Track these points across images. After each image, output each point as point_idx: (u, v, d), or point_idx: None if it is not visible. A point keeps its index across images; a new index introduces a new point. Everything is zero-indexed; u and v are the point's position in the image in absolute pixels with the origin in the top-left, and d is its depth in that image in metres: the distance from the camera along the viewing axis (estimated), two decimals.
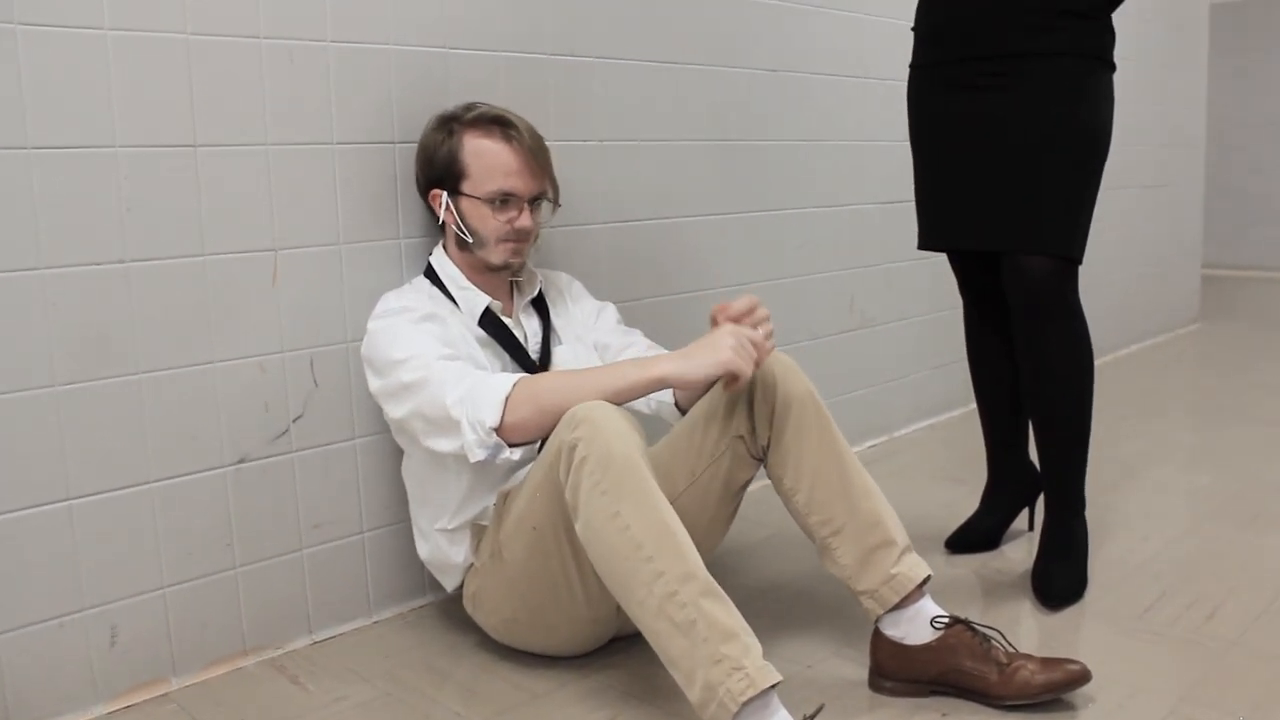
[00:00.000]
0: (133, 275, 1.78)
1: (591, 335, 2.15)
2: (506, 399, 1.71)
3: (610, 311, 2.22)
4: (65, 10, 1.68)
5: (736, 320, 1.81)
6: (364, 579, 2.14)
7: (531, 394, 1.72)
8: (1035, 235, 2.08)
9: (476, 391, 1.73)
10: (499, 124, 1.96)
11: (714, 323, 1.82)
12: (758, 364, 1.76)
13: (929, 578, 1.82)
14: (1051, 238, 2.08)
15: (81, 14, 1.70)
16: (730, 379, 1.74)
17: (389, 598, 2.19)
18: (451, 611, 2.17)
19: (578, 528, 1.64)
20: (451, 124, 1.97)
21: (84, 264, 1.73)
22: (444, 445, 1.77)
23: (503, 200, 1.95)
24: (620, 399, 1.71)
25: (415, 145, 2.05)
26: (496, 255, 1.98)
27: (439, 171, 1.97)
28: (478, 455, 1.73)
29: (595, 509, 1.61)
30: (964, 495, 2.78)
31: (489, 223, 1.95)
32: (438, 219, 2.02)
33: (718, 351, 1.71)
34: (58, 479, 1.74)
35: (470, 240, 1.97)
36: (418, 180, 2.04)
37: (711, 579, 1.58)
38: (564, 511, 1.69)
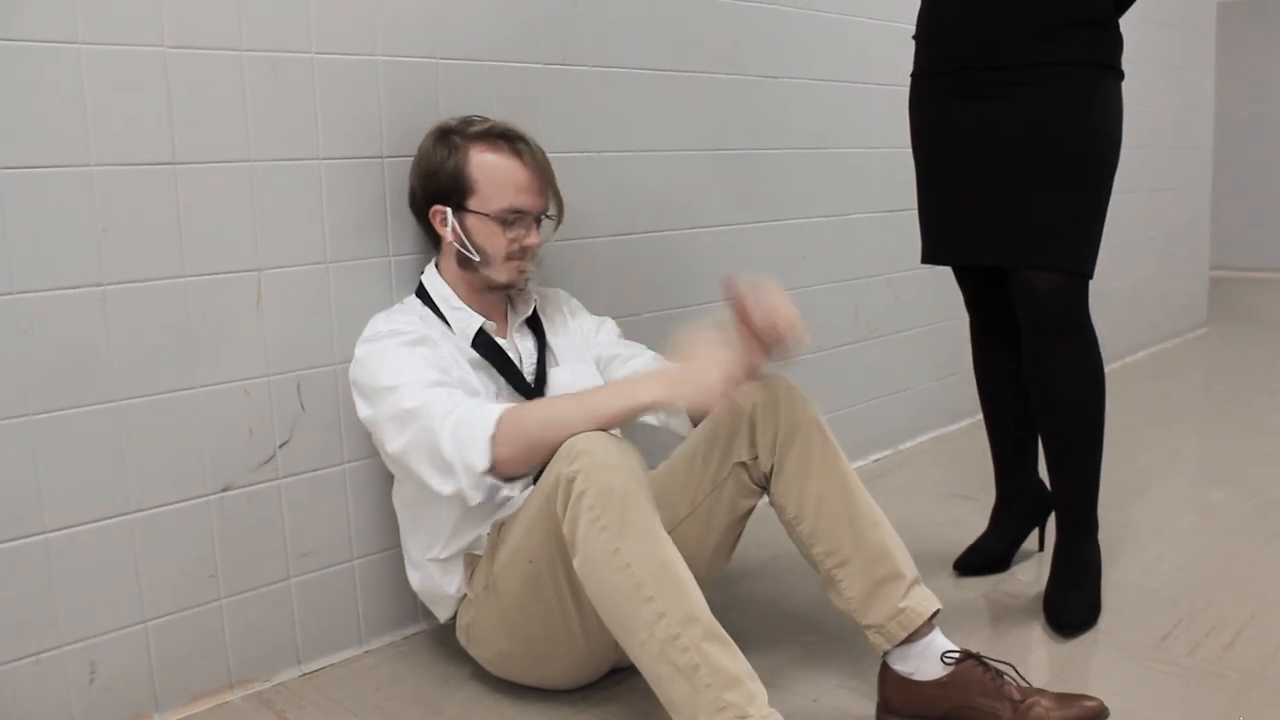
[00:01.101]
0: (110, 298, 1.72)
1: (593, 350, 2.09)
2: (493, 438, 1.64)
3: (610, 326, 2.16)
4: (35, 24, 1.62)
5: (759, 335, 1.72)
6: (354, 608, 2.08)
7: (519, 429, 1.65)
8: (1044, 250, 2.02)
9: (462, 432, 1.66)
10: (507, 139, 1.90)
11: (733, 311, 1.73)
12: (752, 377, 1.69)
13: (938, 611, 1.75)
14: (1061, 252, 2.01)
15: (53, 28, 1.63)
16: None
17: (380, 626, 2.12)
18: (445, 639, 2.10)
19: (576, 564, 1.58)
20: (455, 137, 1.91)
21: (58, 287, 1.67)
22: (445, 488, 1.70)
23: (512, 218, 1.89)
24: (608, 427, 1.64)
25: (406, 160, 1.99)
26: (503, 274, 1.92)
27: (443, 187, 1.90)
28: (475, 499, 1.68)
29: (594, 545, 1.54)
30: (972, 512, 2.71)
31: (496, 240, 1.89)
32: (434, 237, 1.95)
33: (705, 385, 1.61)
34: (33, 511, 1.68)
35: (477, 259, 1.90)
36: (414, 196, 1.97)
37: (715, 621, 1.52)
38: (561, 546, 1.62)
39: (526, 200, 1.90)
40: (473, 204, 1.89)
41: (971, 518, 2.67)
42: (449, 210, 1.90)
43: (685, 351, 1.67)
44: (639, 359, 2.08)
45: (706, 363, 1.64)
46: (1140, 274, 4.69)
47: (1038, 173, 2.00)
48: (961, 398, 3.51)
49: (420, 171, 1.94)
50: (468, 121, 1.93)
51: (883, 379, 3.30)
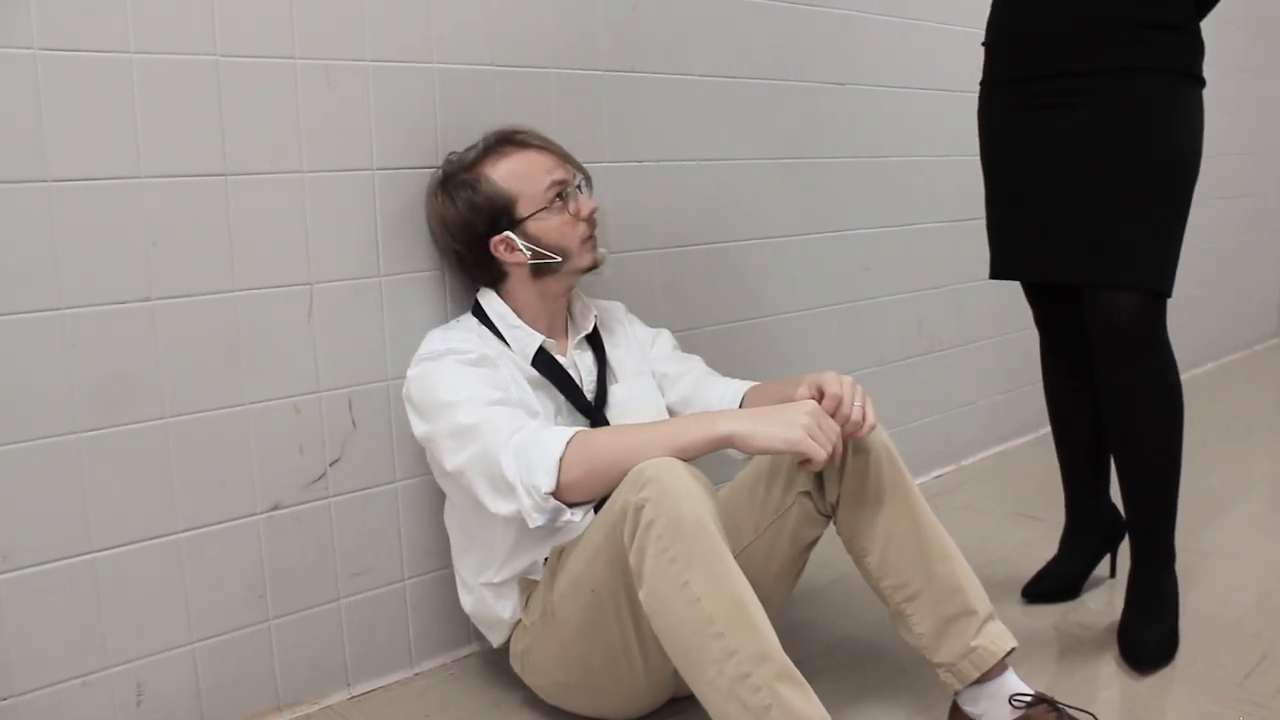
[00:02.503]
0: (158, 313, 1.68)
1: (648, 364, 2.03)
2: (560, 460, 1.58)
3: (665, 338, 2.11)
4: (87, 33, 1.58)
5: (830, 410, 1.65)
6: (405, 629, 2.03)
7: (587, 454, 1.58)
8: (1121, 268, 1.93)
9: (529, 451, 1.60)
10: (503, 141, 1.87)
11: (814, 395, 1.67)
12: (835, 454, 1.59)
13: (1013, 650, 1.67)
14: (1138, 270, 1.92)
15: (104, 37, 1.59)
16: (801, 460, 1.59)
17: (431, 648, 2.07)
18: (497, 662, 2.05)
19: (642, 596, 1.51)
20: (462, 175, 1.85)
21: (106, 303, 1.63)
22: (503, 508, 1.64)
23: (560, 195, 1.85)
24: (682, 458, 1.57)
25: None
26: (585, 257, 1.89)
27: (489, 218, 1.83)
28: (536, 521, 1.61)
29: (662, 577, 1.47)
30: (1041, 534, 2.63)
31: (565, 228, 1.85)
32: (496, 272, 1.88)
33: (790, 429, 1.55)
34: (79, 530, 1.64)
35: (559, 259, 1.85)
36: (464, 250, 1.88)
37: (788, 661, 1.45)
38: (626, 576, 1.56)
39: (560, 174, 1.86)
40: (523, 210, 1.83)
41: (1039, 540, 2.58)
42: (509, 233, 1.84)
43: (774, 398, 1.61)
44: (693, 374, 2.04)
45: (794, 408, 1.58)
46: (1208, 284, 4.55)
47: (1113, 186, 1.92)
48: (1026, 411, 3.43)
49: (453, 227, 1.86)
50: (456, 160, 1.88)
51: (947, 393, 3.21)
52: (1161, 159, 1.90)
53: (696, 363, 2.08)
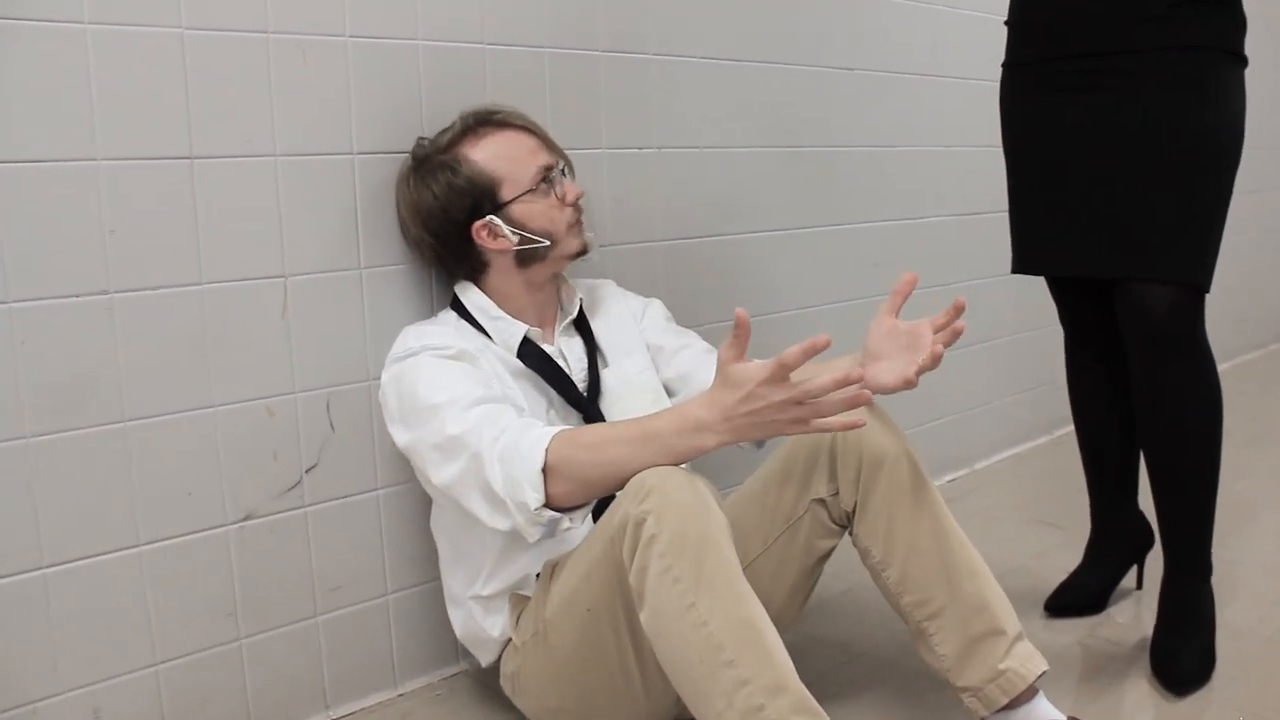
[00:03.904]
0: (118, 308, 1.56)
1: (642, 336, 1.91)
2: (544, 470, 1.45)
3: (656, 308, 1.98)
4: (37, 1, 1.45)
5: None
6: (388, 647, 1.90)
7: (573, 464, 1.45)
8: (1156, 260, 1.80)
9: (510, 464, 1.47)
10: (482, 121, 1.74)
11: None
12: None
13: (1044, 673, 1.55)
14: (1176, 263, 1.80)
15: (57, 6, 1.47)
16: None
17: (416, 667, 1.95)
18: (487, 681, 1.92)
19: (643, 617, 1.38)
20: (439, 157, 1.72)
21: (59, 296, 1.51)
22: (500, 523, 1.51)
23: (546, 179, 1.72)
24: (677, 463, 1.44)
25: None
26: (574, 242, 1.76)
27: (471, 202, 1.70)
28: (535, 536, 1.49)
29: (667, 598, 1.34)
30: (1060, 543, 2.50)
31: (551, 212, 1.73)
32: (477, 263, 1.76)
33: (774, 428, 1.40)
34: (30, 544, 1.52)
35: (546, 243, 1.72)
36: (437, 240, 1.74)
37: (805, 691, 1.32)
38: (626, 595, 1.43)
39: (545, 157, 1.74)
40: (507, 192, 1.70)
41: (1058, 549, 2.46)
42: (492, 217, 1.71)
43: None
44: (691, 349, 1.90)
45: (763, 406, 1.38)
46: (1224, 281, 4.43)
47: (1148, 173, 1.79)
48: (1039, 412, 3.31)
49: (428, 215, 1.73)
50: (429, 144, 1.76)
51: (958, 394, 3.09)
52: (1202, 143, 1.77)
53: (693, 337, 1.95)
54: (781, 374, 1.33)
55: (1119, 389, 2.04)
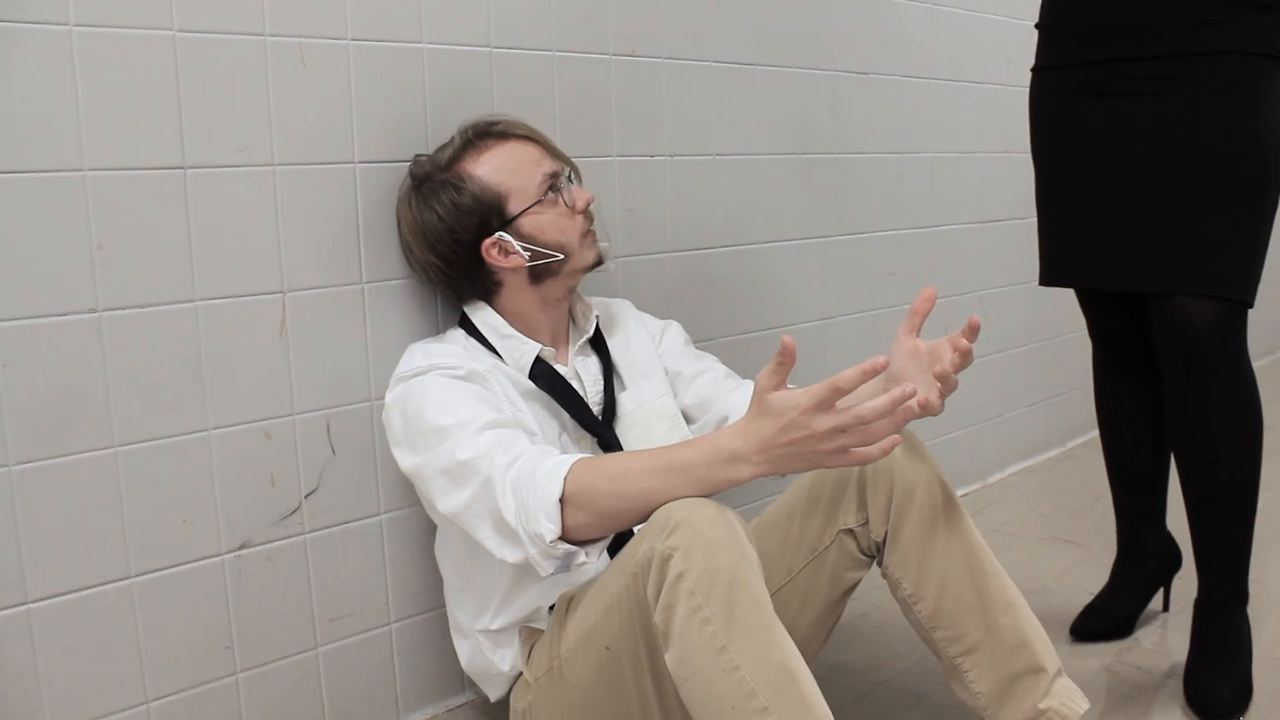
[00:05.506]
0: (106, 327, 1.48)
1: (660, 360, 1.84)
2: (560, 502, 1.36)
3: (675, 330, 1.90)
4: (19, 1, 1.38)
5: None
6: (391, 679, 1.83)
7: (592, 496, 1.37)
8: (1198, 273, 1.73)
9: (524, 493, 1.39)
10: (481, 134, 1.67)
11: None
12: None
13: (1087, 710, 1.48)
14: (1218, 276, 1.73)
15: (40, 6, 1.39)
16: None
17: (421, 699, 1.88)
18: (494, 714, 1.85)
19: (669, 659, 1.30)
20: (440, 175, 1.64)
21: (45, 315, 1.44)
22: (511, 556, 1.43)
23: (554, 185, 1.65)
24: (706, 496, 1.36)
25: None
26: (589, 254, 1.69)
27: (478, 218, 1.62)
28: (548, 570, 1.40)
29: (695, 640, 1.27)
30: (1079, 561, 2.43)
31: (562, 222, 1.65)
32: (489, 283, 1.68)
33: (816, 459, 1.31)
34: (13, 578, 1.44)
35: (560, 256, 1.64)
36: (445, 262, 1.66)
37: None
38: (649, 635, 1.35)
39: (549, 164, 1.67)
40: (515, 206, 1.63)
41: (1078, 568, 2.39)
42: (501, 233, 1.63)
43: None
44: (711, 373, 1.83)
45: (807, 436, 1.30)
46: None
47: (1190, 182, 1.72)
48: (1052, 424, 3.23)
49: (435, 237, 1.65)
50: (428, 161, 1.68)
51: (973, 406, 3.01)
52: (1246, 152, 1.70)
53: (713, 362, 1.87)
54: (833, 399, 1.25)
55: (1152, 407, 1.98)
